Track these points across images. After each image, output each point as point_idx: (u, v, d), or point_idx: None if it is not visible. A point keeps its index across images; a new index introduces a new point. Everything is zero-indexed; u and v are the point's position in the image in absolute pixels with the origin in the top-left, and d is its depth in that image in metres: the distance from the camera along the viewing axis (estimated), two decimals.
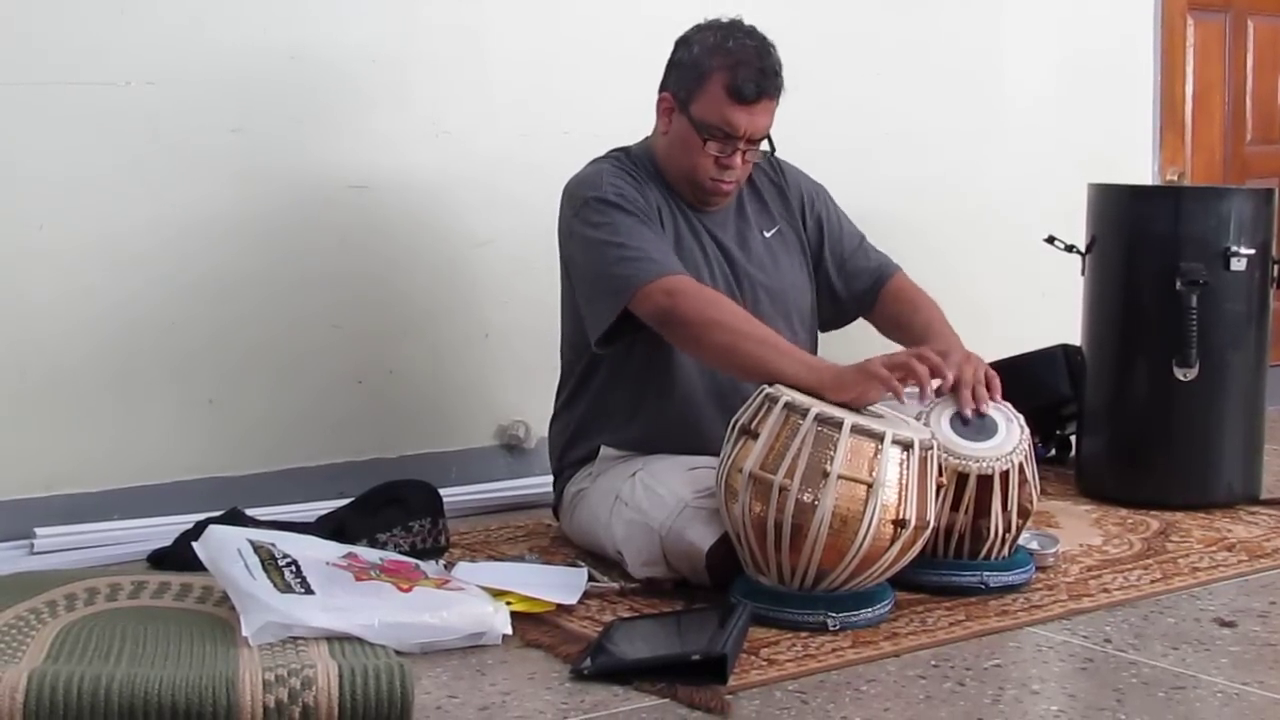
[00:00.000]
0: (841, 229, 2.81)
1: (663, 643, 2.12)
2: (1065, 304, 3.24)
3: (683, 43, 2.59)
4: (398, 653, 1.98)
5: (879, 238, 2.89)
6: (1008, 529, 2.41)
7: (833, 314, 2.83)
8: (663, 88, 2.61)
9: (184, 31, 2.82)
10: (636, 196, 2.55)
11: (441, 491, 2.77)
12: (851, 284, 2.79)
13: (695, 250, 2.61)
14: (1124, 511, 2.98)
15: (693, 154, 2.56)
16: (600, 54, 3.29)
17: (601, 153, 2.69)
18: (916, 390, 2.36)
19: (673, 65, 2.60)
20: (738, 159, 2.55)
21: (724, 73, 2.50)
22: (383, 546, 2.56)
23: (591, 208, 2.53)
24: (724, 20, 2.57)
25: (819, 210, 2.79)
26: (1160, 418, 3.03)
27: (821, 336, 2.83)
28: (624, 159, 2.65)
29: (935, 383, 2.35)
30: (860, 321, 2.86)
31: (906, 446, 2.19)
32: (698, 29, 2.58)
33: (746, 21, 2.58)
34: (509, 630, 2.15)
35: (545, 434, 2.88)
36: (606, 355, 2.58)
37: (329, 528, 2.62)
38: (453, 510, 2.84)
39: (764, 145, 2.60)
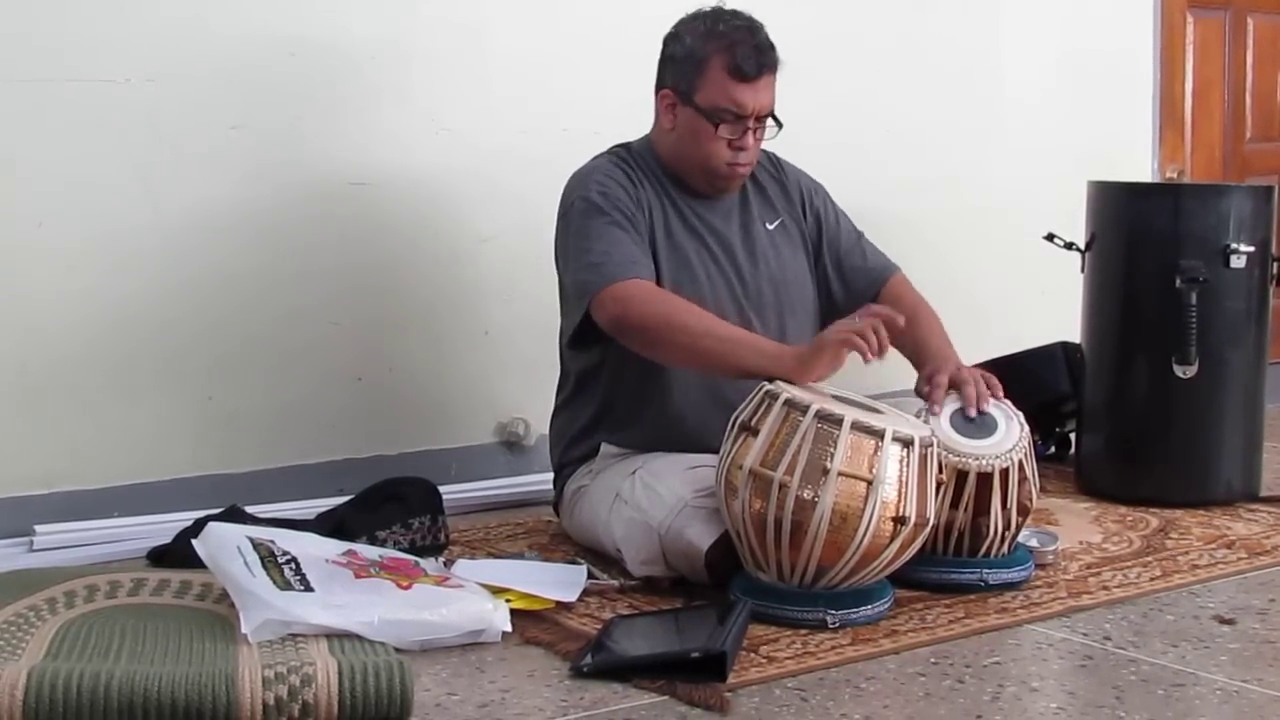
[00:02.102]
0: (840, 226, 2.81)
1: (662, 640, 2.12)
2: (1065, 301, 3.24)
3: (673, 37, 2.60)
4: (397, 650, 1.98)
5: (878, 235, 2.88)
6: (1007, 526, 2.41)
7: (829, 312, 2.82)
8: (660, 85, 2.61)
9: (184, 28, 2.82)
10: (621, 195, 2.56)
11: (441, 489, 2.78)
12: (849, 283, 2.79)
13: (692, 246, 2.61)
14: (1123, 509, 2.98)
15: (705, 142, 2.56)
16: (600, 51, 3.29)
17: (602, 149, 2.69)
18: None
19: (667, 60, 2.60)
20: (750, 138, 2.56)
21: (722, 55, 2.51)
22: (382, 544, 2.56)
23: (575, 209, 2.56)
24: (706, 9, 2.59)
25: (818, 206, 2.79)
26: (1160, 415, 3.03)
27: None
28: (624, 154, 2.65)
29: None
30: None
31: (906, 444, 2.19)
32: (684, 21, 2.60)
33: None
34: (508, 627, 2.15)
35: (545, 431, 2.88)
36: (606, 352, 2.58)
37: (328, 525, 2.61)
38: (452, 507, 2.84)
39: (771, 123, 2.60)
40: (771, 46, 2.55)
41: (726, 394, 2.52)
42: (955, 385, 2.47)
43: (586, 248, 2.50)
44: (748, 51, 2.51)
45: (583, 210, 2.54)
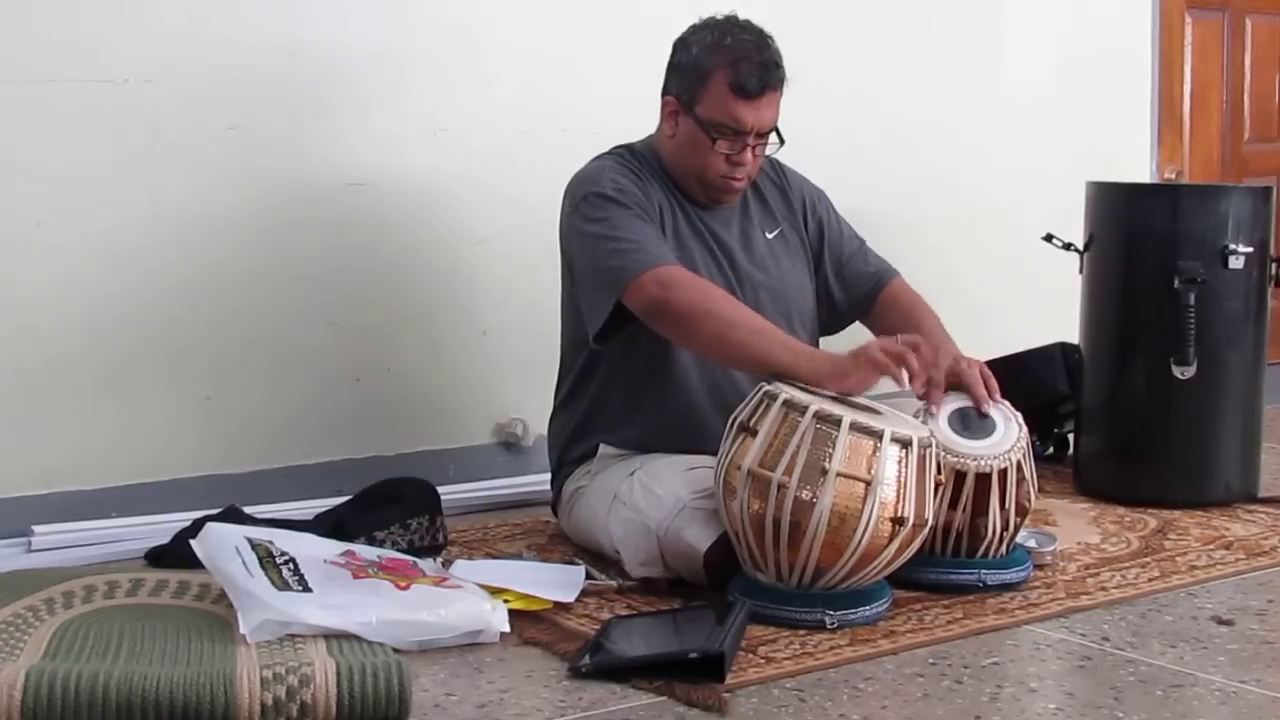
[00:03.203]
0: (842, 233, 2.81)
1: (660, 640, 2.12)
2: (1063, 302, 3.24)
3: (681, 44, 2.59)
4: (395, 650, 1.98)
5: (877, 236, 2.88)
6: (1005, 527, 2.41)
7: (830, 319, 2.83)
8: (665, 91, 2.60)
9: (182, 29, 2.82)
10: (636, 192, 2.55)
11: (440, 489, 2.77)
12: (849, 289, 2.79)
13: (697, 249, 2.61)
14: (1122, 510, 2.98)
15: (702, 154, 2.55)
16: (598, 52, 3.29)
17: (600, 150, 2.69)
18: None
19: (673, 68, 2.59)
20: (748, 155, 2.55)
21: (725, 70, 2.50)
22: (381, 544, 2.56)
23: (590, 203, 2.53)
24: (719, 17, 2.57)
25: (820, 214, 2.79)
26: (1158, 416, 3.03)
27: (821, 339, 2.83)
28: (627, 155, 2.64)
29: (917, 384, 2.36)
30: (860, 324, 2.85)
31: (905, 444, 2.19)
32: (694, 29, 2.58)
33: (742, 17, 2.58)
34: (507, 628, 2.15)
35: (543, 432, 2.88)
36: (605, 353, 2.58)
37: (327, 525, 2.61)
38: (451, 508, 2.83)
39: (773, 138, 2.59)
40: (777, 64, 2.53)
41: (725, 394, 2.53)
42: (960, 381, 2.45)
43: (614, 236, 2.47)
44: (751, 69, 2.49)
45: (600, 203, 2.51)
